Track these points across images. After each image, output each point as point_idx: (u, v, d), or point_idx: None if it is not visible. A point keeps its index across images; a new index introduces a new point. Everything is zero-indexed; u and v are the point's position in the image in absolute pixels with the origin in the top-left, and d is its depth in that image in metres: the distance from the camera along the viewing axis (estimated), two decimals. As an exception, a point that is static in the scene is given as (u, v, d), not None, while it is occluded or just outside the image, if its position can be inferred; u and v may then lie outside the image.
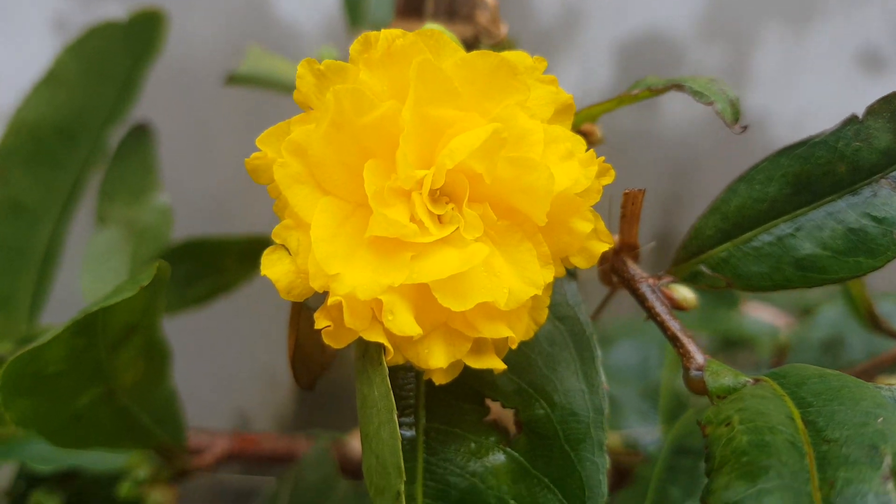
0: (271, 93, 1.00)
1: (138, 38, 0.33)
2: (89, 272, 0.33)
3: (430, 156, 0.17)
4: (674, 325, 0.19)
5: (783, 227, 0.19)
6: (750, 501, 0.14)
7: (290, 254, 0.17)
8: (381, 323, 0.17)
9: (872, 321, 0.27)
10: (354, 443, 0.31)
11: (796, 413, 0.16)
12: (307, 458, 0.30)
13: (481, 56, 0.17)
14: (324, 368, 0.22)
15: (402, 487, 0.15)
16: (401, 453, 0.16)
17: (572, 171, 0.17)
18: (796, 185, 0.19)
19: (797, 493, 0.14)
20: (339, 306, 0.16)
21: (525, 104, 0.17)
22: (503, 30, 0.24)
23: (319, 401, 0.98)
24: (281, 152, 0.17)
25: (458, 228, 0.17)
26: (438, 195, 0.17)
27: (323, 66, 0.18)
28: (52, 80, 0.32)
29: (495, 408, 0.20)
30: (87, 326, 0.22)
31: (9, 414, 0.23)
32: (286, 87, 0.32)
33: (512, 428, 0.20)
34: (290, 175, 0.17)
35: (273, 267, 0.17)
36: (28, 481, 0.32)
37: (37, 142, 0.31)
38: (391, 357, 0.17)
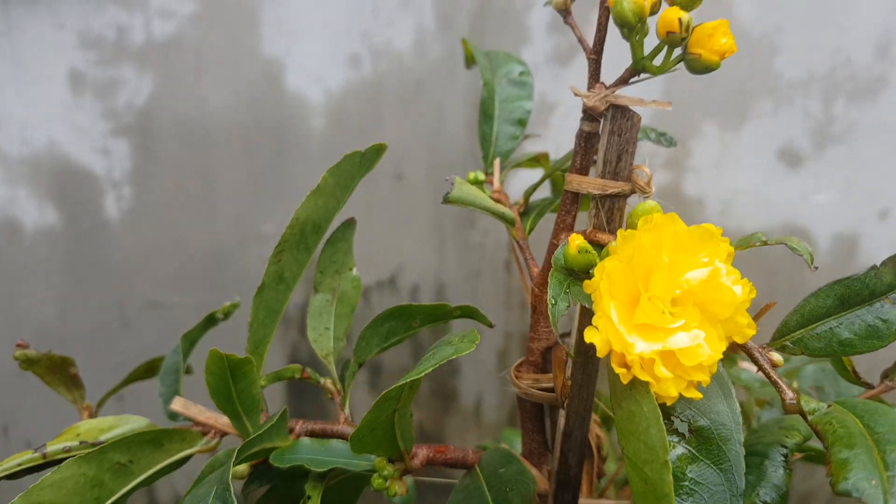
0: (273, 162, 1.16)
1: (368, 160, 0.47)
2: (312, 327, 0.47)
3: (669, 278, 0.33)
4: (774, 374, 0.35)
5: (832, 323, 0.36)
6: (853, 457, 0.29)
7: (598, 330, 0.32)
8: (646, 371, 0.32)
9: (854, 374, 0.44)
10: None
11: (857, 421, 0.32)
12: (490, 456, 0.44)
13: (697, 228, 0.33)
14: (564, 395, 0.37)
15: (668, 457, 0.30)
16: (667, 439, 0.31)
17: (742, 294, 0.33)
18: (841, 300, 0.36)
19: (870, 456, 0.29)
20: (631, 361, 0.31)
21: (716, 253, 0.33)
22: (652, 189, 0.39)
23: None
24: (602, 275, 0.32)
25: (685, 321, 0.32)
26: (671, 303, 0.33)
27: (627, 233, 0.33)
28: (318, 191, 0.45)
29: (675, 421, 0.35)
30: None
31: (363, 420, 0.36)
32: (481, 208, 0.46)
33: (685, 433, 0.35)
34: (604, 288, 0.32)
35: (593, 338, 0.32)
36: (269, 476, 0.45)
37: (301, 233, 0.45)
38: (652, 390, 0.32)
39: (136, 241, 1.25)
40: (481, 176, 0.51)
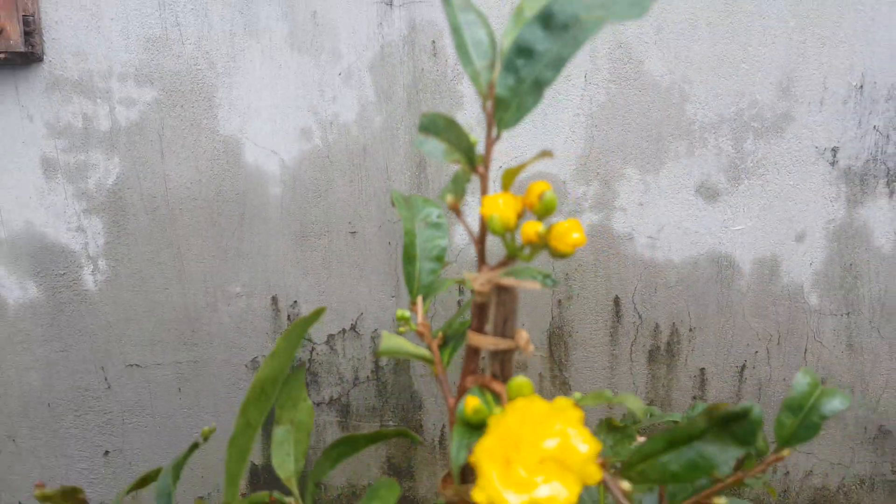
0: (236, 228, 1.27)
1: (309, 321, 0.57)
2: (275, 455, 0.59)
3: (533, 446, 0.45)
4: (622, 499, 0.47)
5: (663, 459, 0.48)
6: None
7: (482, 489, 0.44)
8: (519, 516, 0.44)
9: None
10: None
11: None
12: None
13: (550, 406, 0.45)
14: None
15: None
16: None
17: (589, 449, 0.45)
18: (669, 442, 0.48)
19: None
20: (505, 513, 0.43)
21: (568, 421, 0.45)
22: (531, 349, 0.51)
23: None
24: (480, 451, 0.44)
25: (549, 477, 0.44)
26: (535, 464, 0.45)
27: (498, 416, 0.44)
28: (273, 355, 0.56)
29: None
30: None
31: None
32: (406, 355, 0.57)
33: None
34: (483, 460, 0.44)
35: (479, 497, 0.44)
36: None
37: (261, 388, 0.56)
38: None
39: (114, 309, 1.35)
40: (407, 313, 0.63)
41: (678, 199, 1.33)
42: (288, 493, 0.61)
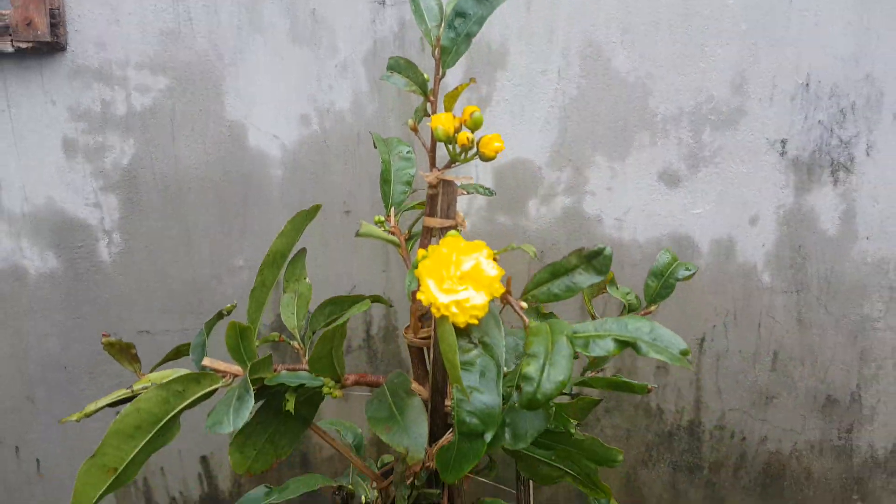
0: (240, 207, 1.64)
1: (311, 214, 0.90)
2: (283, 312, 0.91)
3: (458, 266, 0.78)
4: (520, 312, 0.80)
5: (549, 285, 0.81)
6: (537, 342, 0.74)
7: (423, 293, 0.77)
8: (447, 311, 0.76)
9: (592, 315, 0.89)
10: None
11: (548, 327, 0.76)
12: (391, 378, 0.88)
13: (472, 242, 0.78)
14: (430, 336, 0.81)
15: (457, 349, 0.75)
16: (456, 350, 0.75)
17: (495, 273, 0.78)
18: (552, 273, 0.81)
19: (546, 339, 0.74)
20: (438, 306, 0.76)
21: (482, 255, 0.78)
22: (465, 224, 0.84)
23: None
24: (422, 267, 0.77)
25: (467, 287, 0.77)
26: (458, 278, 0.77)
27: (431, 248, 0.77)
28: (282, 234, 0.88)
29: (472, 337, 0.80)
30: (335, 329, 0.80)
31: (313, 352, 0.81)
32: (379, 238, 0.90)
33: (476, 343, 0.79)
34: (423, 273, 0.77)
35: (421, 296, 0.77)
36: (263, 395, 0.89)
37: (274, 258, 0.88)
38: (450, 320, 0.77)
39: (127, 280, 1.69)
40: (382, 218, 0.96)
41: (642, 185, 1.66)
42: (292, 338, 0.94)
